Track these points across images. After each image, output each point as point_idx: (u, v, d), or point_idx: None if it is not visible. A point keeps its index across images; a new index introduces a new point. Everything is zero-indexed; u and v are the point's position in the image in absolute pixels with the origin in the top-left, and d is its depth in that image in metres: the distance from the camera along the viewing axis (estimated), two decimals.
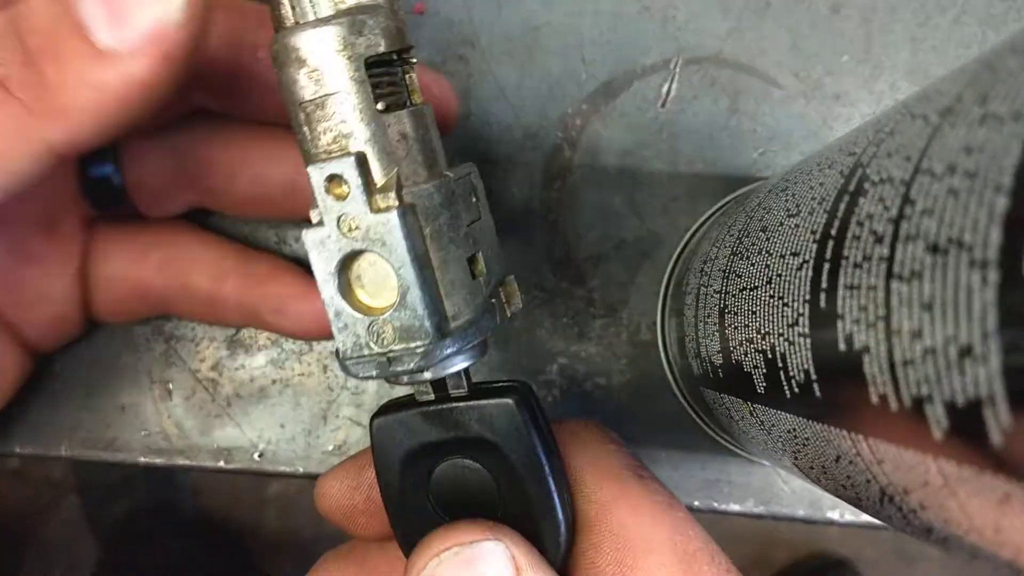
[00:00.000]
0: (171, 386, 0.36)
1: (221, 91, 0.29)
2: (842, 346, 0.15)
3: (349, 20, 0.20)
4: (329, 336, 0.30)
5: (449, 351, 0.21)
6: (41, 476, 1.27)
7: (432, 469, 0.23)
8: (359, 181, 0.20)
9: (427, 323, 0.20)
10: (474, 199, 0.22)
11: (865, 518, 0.34)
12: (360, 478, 0.26)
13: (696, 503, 0.35)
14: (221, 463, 0.35)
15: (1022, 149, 0.11)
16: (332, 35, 0.20)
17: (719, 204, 0.34)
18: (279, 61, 0.21)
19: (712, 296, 0.25)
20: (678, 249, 0.34)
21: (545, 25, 0.35)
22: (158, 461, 0.36)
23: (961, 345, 0.12)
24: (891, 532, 0.20)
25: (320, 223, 0.20)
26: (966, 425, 0.12)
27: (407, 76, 0.22)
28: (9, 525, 1.25)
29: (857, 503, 0.19)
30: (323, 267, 0.21)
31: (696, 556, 0.22)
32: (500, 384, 0.23)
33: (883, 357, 0.14)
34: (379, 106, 0.20)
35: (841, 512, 0.35)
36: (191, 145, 0.31)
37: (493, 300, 0.22)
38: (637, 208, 0.35)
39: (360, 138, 0.21)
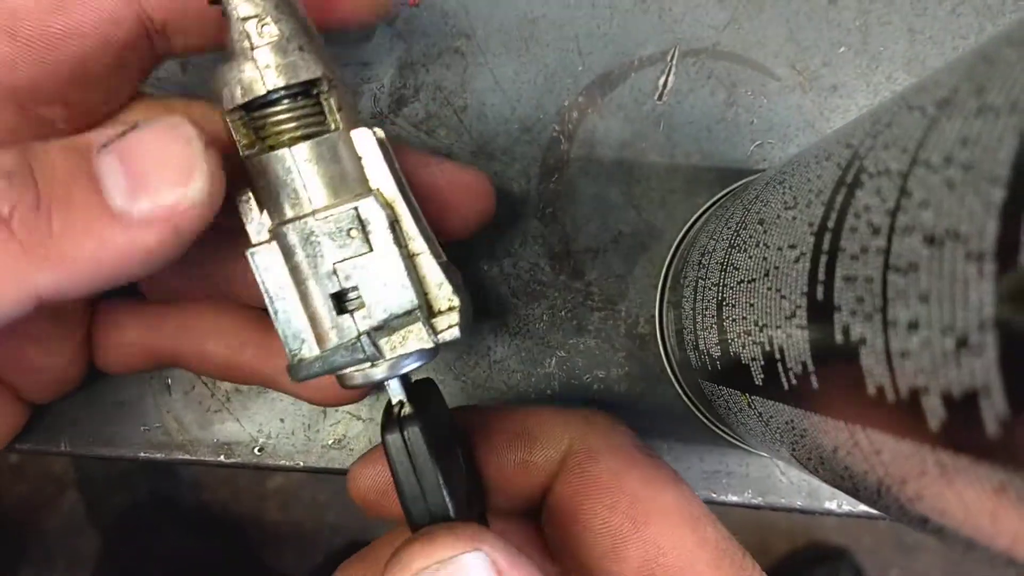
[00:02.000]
0: (170, 381, 0.36)
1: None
2: (839, 338, 0.15)
3: (216, 75, 0.23)
4: (345, 402, 0.33)
5: (311, 372, 0.23)
6: (41, 471, 1.27)
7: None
8: (242, 220, 0.24)
9: (287, 346, 0.23)
10: (361, 233, 0.23)
11: (862, 508, 0.34)
12: None
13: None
14: (221, 457, 0.36)
15: (1018, 140, 0.11)
16: (212, 84, 0.23)
17: (717, 197, 0.34)
18: None
19: (710, 289, 0.25)
20: (676, 242, 0.34)
21: (541, 17, 0.35)
22: (158, 456, 0.36)
23: (957, 336, 0.12)
24: (888, 522, 0.20)
25: None
26: (962, 416, 0.12)
27: (296, 109, 0.23)
28: (10, 518, 1.25)
29: (854, 493, 0.19)
30: None
31: (701, 520, 0.25)
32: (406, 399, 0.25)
33: (880, 349, 0.14)
34: (244, 153, 0.23)
35: (839, 502, 0.35)
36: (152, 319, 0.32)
37: (378, 332, 0.23)
38: (635, 201, 0.35)
39: (248, 178, 0.23)
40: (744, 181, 0.34)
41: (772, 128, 0.34)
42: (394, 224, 0.23)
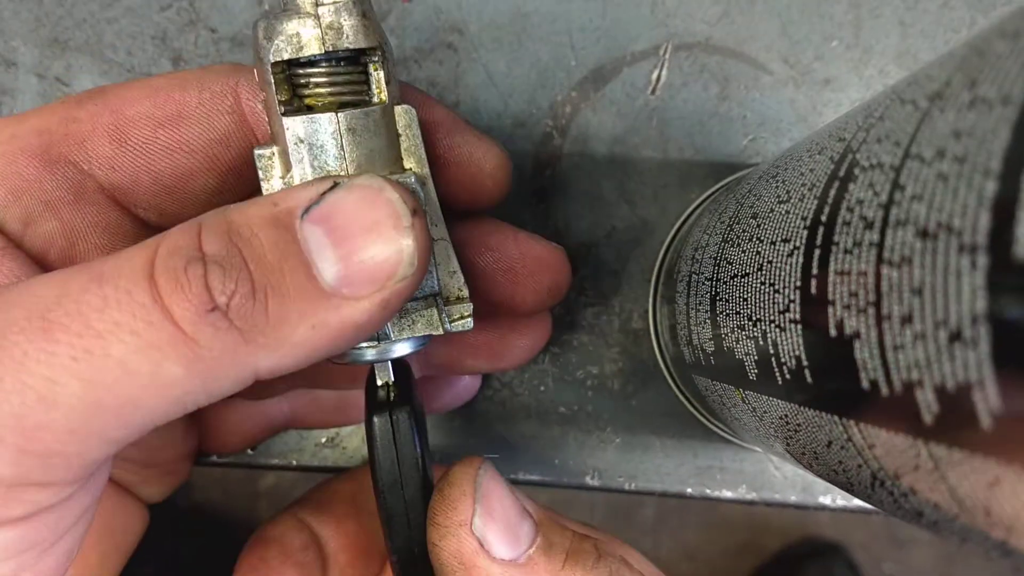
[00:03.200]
0: None
1: None
2: (833, 332, 0.15)
3: (265, 25, 0.21)
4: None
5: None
6: None
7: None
8: (258, 175, 0.23)
9: None
10: None
11: (856, 503, 0.34)
12: None
13: (689, 490, 0.35)
14: (213, 456, 0.35)
15: (1010, 133, 0.11)
16: (254, 36, 0.22)
17: (710, 191, 0.34)
18: None
19: (703, 283, 0.25)
20: (669, 236, 0.34)
21: (534, 12, 0.35)
22: None
23: (951, 330, 0.12)
24: (882, 516, 0.20)
25: None
26: (956, 409, 0.12)
27: (345, 76, 0.22)
28: None
29: (848, 488, 0.19)
30: None
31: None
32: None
33: (873, 342, 0.14)
34: (281, 109, 0.22)
35: (833, 497, 0.35)
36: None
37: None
38: (627, 195, 0.35)
39: (273, 133, 0.23)
40: (737, 175, 0.34)
41: (765, 122, 0.34)
42: (424, 208, 0.23)
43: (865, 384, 0.15)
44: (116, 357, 0.18)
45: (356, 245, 0.20)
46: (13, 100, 0.35)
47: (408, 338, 0.24)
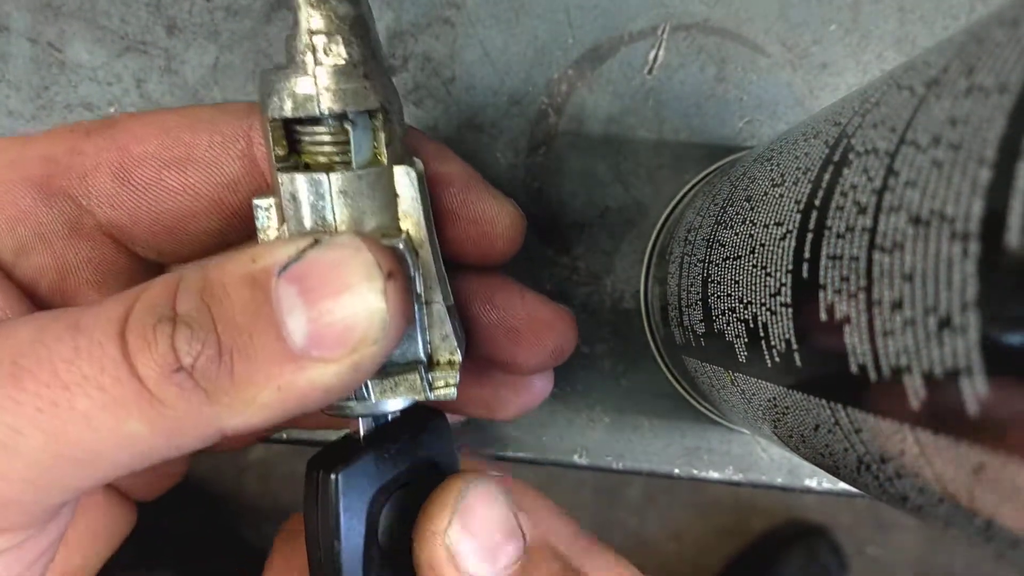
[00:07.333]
0: None
1: None
2: (823, 316, 0.16)
3: (264, 77, 0.21)
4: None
5: None
6: None
7: (380, 511, 0.24)
8: (255, 225, 0.23)
9: None
10: None
11: (842, 486, 0.35)
12: None
13: (676, 470, 0.35)
14: None
15: (1006, 121, 0.11)
16: (259, 86, 0.21)
17: (704, 173, 0.34)
18: None
19: (695, 265, 0.25)
20: (662, 218, 0.34)
21: None
22: None
23: (940, 316, 0.12)
24: (867, 500, 0.20)
25: None
26: (943, 395, 0.12)
27: (350, 134, 0.22)
28: None
29: (835, 471, 0.19)
30: None
31: None
32: (411, 407, 0.24)
33: (863, 327, 0.14)
34: (277, 165, 0.21)
35: (819, 480, 0.35)
36: None
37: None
38: (622, 176, 0.35)
39: (272, 185, 0.22)
40: (732, 158, 0.34)
41: (761, 105, 0.34)
42: (416, 273, 0.23)
43: (854, 368, 0.15)
44: (81, 411, 0.18)
45: (326, 307, 0.19)
46: (5, 65, 0.35)
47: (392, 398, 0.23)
